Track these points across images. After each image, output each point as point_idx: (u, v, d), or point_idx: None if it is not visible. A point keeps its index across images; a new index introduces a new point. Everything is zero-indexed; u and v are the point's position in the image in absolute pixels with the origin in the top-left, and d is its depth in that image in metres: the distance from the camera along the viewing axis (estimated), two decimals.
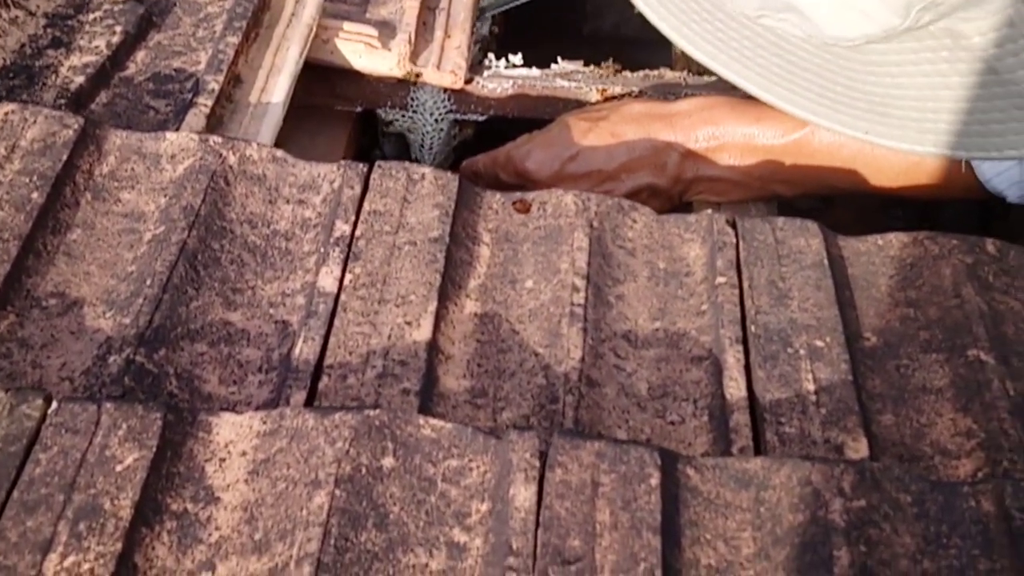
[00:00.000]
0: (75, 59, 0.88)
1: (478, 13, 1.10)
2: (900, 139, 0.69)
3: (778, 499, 0.56)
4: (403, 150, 1.12)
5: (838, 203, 0.99)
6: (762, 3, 0.70)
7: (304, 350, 0.65)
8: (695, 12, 0.74)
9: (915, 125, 0.68)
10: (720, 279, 0.72)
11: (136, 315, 0.66)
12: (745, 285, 0.72)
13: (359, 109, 1.06)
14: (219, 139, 0.77)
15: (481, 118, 1.06)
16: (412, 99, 1.04)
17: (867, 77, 0.70)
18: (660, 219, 0.78)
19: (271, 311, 0.69)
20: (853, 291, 0.74)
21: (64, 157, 0.73)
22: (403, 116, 1.06)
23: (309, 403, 0.63)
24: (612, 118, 0.94)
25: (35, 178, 0.72)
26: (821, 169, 0.90)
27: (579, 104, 1.04)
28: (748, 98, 0.76)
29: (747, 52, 0.72)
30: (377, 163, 0.77)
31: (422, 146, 1.08)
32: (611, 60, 1.07)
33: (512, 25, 1.24)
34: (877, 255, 0.76)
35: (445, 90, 1.04)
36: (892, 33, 0.65)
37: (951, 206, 1.04)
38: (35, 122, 0.75)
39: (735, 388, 0.66)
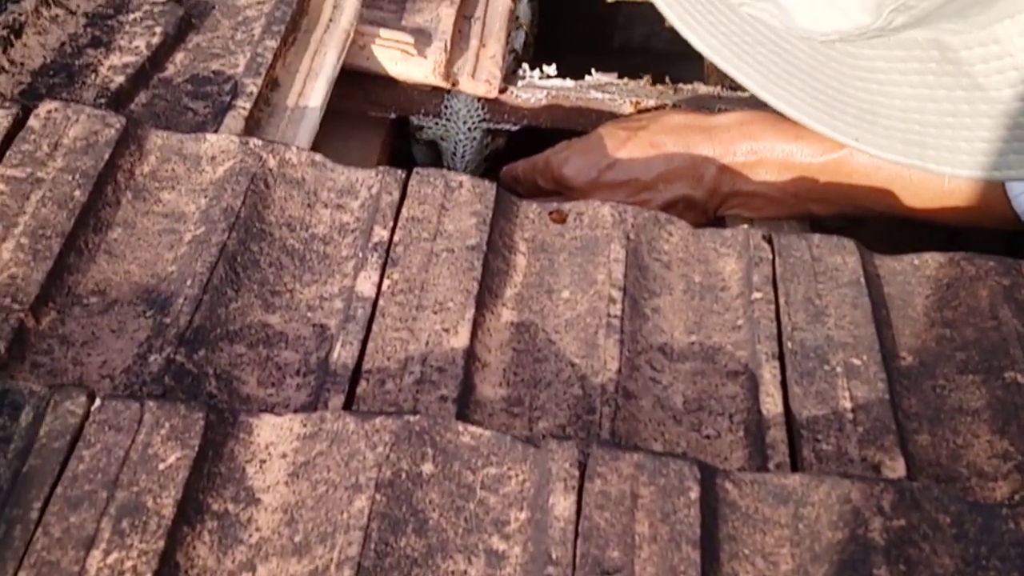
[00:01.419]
0: (115, 59, 0.88)
1: (514, 20, 1.10)
2: (886, 149, 0.68)
3: (817, 516, 0.56)
4: (435, 158, 1.13)
5: (869, 220, 0.99)
6: None
7: (342, 354, 0.66)
8: (699, 2, 0.73)
9: (900, 136, 0.68)
10: (756, 294, 0.72)
11: (176, 315, 0.66)
12: (781, 301, 0.72)
13: (393, 115, 1.06)
14: (259, 142, 0.77)
15: (514, 128, 1.06)
16: (446, 107, 1.05)
17: (856, 82, 0.69)
18: (696, 233, 0.78)
19: (309, 314, 0.70)
20: (889, 310, 0.74)
21: (106, 156, 0.73)
22: (436, 123, 1.06)
23: (347, 407, 0.63)
24: (651, 128, 0.95)
25: (77, 176, 0.72)
26: (857, 189, 0.90)
27: (612, 116, 1.04)
28: None
29: (747, 48, 0.72)
30: (415, 170, 0.77)
31: (454, 154, 1.08)
32: (646, 74, 1.07)
33: (544, 36, 1.24)
34: (913, 275, 0.76)
35: (479, 99, 1.04)
36: (866, 32, 0.64)
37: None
38: (77, 120, 0.75)
39: (771, 404, 0.66)
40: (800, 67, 0.71)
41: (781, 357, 0.69)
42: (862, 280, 0.74)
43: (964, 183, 0.86)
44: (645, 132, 0.94)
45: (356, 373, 0.65)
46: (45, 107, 0.76)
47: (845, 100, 0.70)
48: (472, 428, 0.58)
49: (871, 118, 0.69)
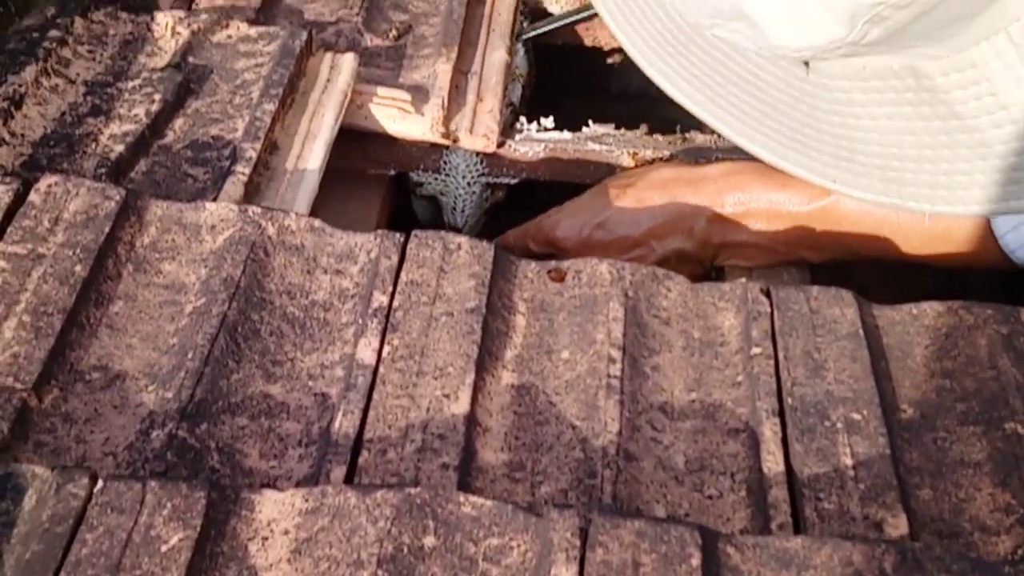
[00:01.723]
0: (115, 127, 0.89)
1: (513, 70, 1.11)
2: (865, 189, 0.67)
3: None
4: (435, 212, 1.13)
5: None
6: (714, 10, 0.68)
7: (344, 424, 0.66)
8: (670, 44, 0.73)
9: (879, 174, 0.67)
10: (755, 349, 0.73)
11: (178, 389, 0.66)
12: (780, 356, 0.72)
13: (392, 172, 1.07)
14: (258, 209, 0.78)
15: (513, 181, 1.07)
16: (445, 162, 1.05)
17: (833, 117, 0.68)
18: (694, 287, 0.79)
19: (310, 383, 0.70)
20: (889, 361, 0.74)
21: (106, 229, 0.74)
22: (436, 179, 1.07)
23: (349, 478, 0.64)
24: (639, 184, 0.95)
25: (78, 251, 0.73)
26: (847, 236, 0.91)
27: (611, 167, 1.05)
28: None
29: (719, 88, 0.71)
30: (414, 233, 0.78)
31: (454, 208, 1.09)
32: (643, 124, 1.08)
33: (541, 83, 1.25)
34: (912, 324, 0.76)
35: (478, 153, 1.05)
36: (840, 47, 0.63)
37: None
38: (77, 194, 0.76)
39: (773, 462, 0.66)
40: (776, 105, 0.70)
41: (781, 413, 0.69)
42: (860, 332, 0.74)
43: (952, 224, 0.86)
44: (632, 189, 0.95)
45: (358, 442, 0.66)
46: (45, 181, 0.77)
47: (823, 139, 0.69)
48: (473, 499, 0.58)
49: (849, 155, 0.68)
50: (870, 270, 1.13)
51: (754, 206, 0.92)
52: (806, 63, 0.69)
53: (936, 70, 0.64)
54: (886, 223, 0.89)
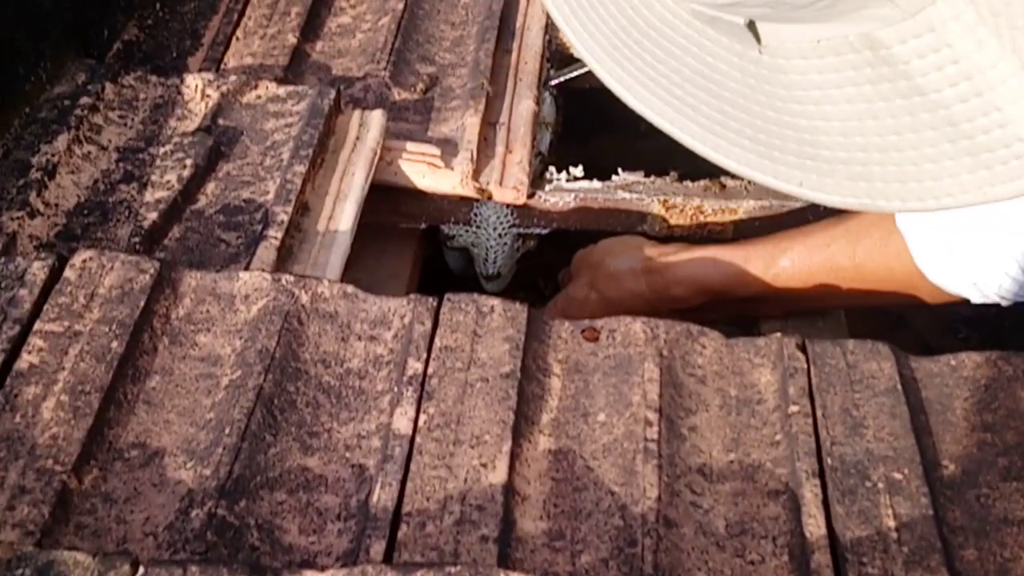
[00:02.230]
0: (148, 195, 0.90)
1: (539, 122, 1.11)
2: (833, 190, 0.64)
3: None
4: (467, 262, 1.13)
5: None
6: None
7: (382, 497, 0.66)
8: (625, 45, 0.70)
9: (845, 170, 0.62)
10: (793, 407, 0.72)
11: (216, 465, 0.66)
12: (818, 414, 0.72)
13: (423, 226, 1.07)
14: (291, 278, 0.78)
15: (544, 231, 1.07)
16: (475, 215, 1.06)
17: (792, 106, 0.63)
18: (729, 344, 0.78)
19: (347, 455, 0.70)
20: (928, 416, 0.73)
21: (142, 303, 0.75)
22: (467, 231, 1.07)
23: (388, 552, 0.64)
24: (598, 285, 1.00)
25: (114, 326, 0.73)
26: (795, 294, 0.93)
27: (641, 215, 1.05)
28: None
29: (678, 91, 0.68)
30: (446, 296, 0.78)
31: (486, 259, 1.09)
32: (672, 170, 1.08)
33: (569, 122, 1.25)
34: (950, 376, 0.76)
35: (508, 205, 1.05)
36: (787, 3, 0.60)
37: None
38: (112, 268, 0.77)
39: (814, 525, 0.66)
40: (735, 101, 0.67)
41: (821, 474, 0.69)
42: (899, 386, 0.73)
43: (883, 273, 0.87)
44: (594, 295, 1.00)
45: (396, 516, 0.65)
46: (80, 256, 0.77)
47: (784, 134, 0.66)
48: (514, 575, 0.58)
49: (813, 151, 0.65)
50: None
51: (704, 293, 0.96)
52: (758, 41, 0.65)
53: (893, 37, 0.59)
54: (832, 275, 0.90)
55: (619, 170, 1.08)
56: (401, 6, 1.17)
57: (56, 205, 0.89)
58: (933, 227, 0.82)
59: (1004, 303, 0.82)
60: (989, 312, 1.13)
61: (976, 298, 0.83)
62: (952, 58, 0.56)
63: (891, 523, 0.65)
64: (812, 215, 0.98)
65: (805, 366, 0.75)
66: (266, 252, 0.85)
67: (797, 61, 0.64)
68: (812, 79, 0.64)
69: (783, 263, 0.91)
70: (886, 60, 0.59)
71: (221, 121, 0.99)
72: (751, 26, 0.62)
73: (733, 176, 1.09)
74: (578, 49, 0.72)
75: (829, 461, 0.69)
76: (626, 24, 0.71)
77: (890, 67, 0.60)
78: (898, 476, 0.68)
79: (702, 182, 1.06)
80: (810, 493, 0.67)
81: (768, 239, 0.95)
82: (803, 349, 0.76)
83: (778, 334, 0.78)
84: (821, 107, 0.64)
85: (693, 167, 1.12)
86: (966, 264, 0.82)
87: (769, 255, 0.92)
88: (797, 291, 0.91)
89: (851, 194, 0.64)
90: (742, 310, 0.97)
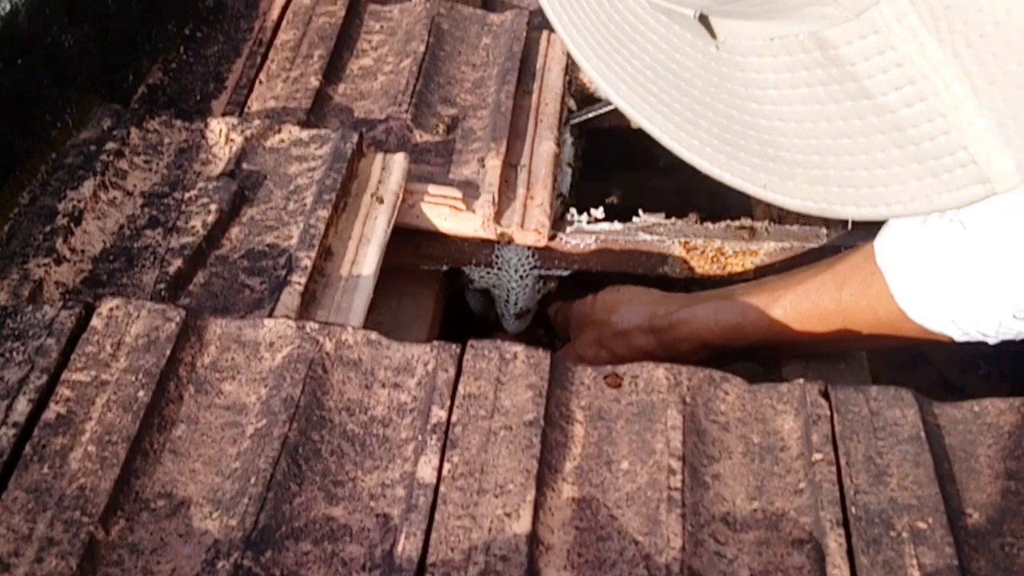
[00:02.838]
0: (173, 240, 0.91)
1: (559, 164, 1.12)
2: (792, 193, 0.62)
3: None
4: (488, 304, 1.14)
5: None
6: None
7: (406, 547, 0.66)
8: (607, 41, 0.69)
9: (803, 173, 0.61)
10: (816, 455, 0.72)
11: (242, 516, 0.67)
12: (842, 462, 0.72)
13: (445, 268, 1.08)
14: (315, 325, 0.78)
15: (565, 272, 1.08)
16: (497, 257, 1.06)
17: (751, 105, 0.62)
18: (752, 390, 0.79)
19: (372, 504, 0.70)
20: (952, 463, 0.73)
21: (168, 352, 0.75)
22: (488, 273, 1.07)
23: None
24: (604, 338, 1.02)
25: (140, 376, 0.74)
26: (798, 343, 0.94)
27: (662, 257, 1.05)
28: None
29: (652, 87, 0.67)
30: (470, 343, 0.78)
31: (507, 301, 1.09)
32: (691, 197, 1.08)
33: (590, 156, 1.26)
34: (974, 423, 0.76)
35: (529, 247, 1.05)
36: None
37: None
38: (138, 317, 0.77)
39: None
40: (701, 99, 0.65)
41: (846, 523, 0.68)
42: (922, 434, 0.73)
43: (869, 315, 0.87)
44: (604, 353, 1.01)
45: (421, 566, 0.66)
46: (107, 305, 0.78)
47: (747, 134, 0.65)
48: None
49: (773, 152, 0.63)
50: None
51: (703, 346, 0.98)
52: (713, 36, 0.64)
53: (840, 37, 0.57)
54: (817, 323, 0.91)
55: (640, 211, 1.08)
56: (422, 48, 1.18)
57: (82, 251, 0.90)
58: (911, 265, 0.82)
59: (989, 341, 0.82)
60: (1010, 348, 1.13)
61: (959, 336, 0.83)
62: (896, 61, 0.55)
63: (916, 573, 0.65)
64: (829, 255, 0.99)
65: (828, 413, 0.75)
66: (290, 298, 0.86)
67: (753, 59, 0.62)
68: (767, 78, 0.62)
69: (776, 312, 0.92)
70: (835, 61, 0.58)
71: (245, 165, 1.00)
72: (703, 20, 0.61)
73: (754, 216, 1.10)
74: (568, 46, 0.71)
75: (853, 510, 0.69)
76: (605, 19, 0.70)
77: (839, 68, 0.58)
78: (923, 525, 0.68)
79: (723, 224, 1.07)
80: (834, 543, 0.67)
81: (764, 286, 0.96)
82: (826, 395, 0.76)
83: (800, 380, 0.78)
84: (777, 107, 0.61)
85: (713, 204, 1.13)
86: (945, 302, 0.82)
87: (764, 305, 0.93)
88: (794, 336, 0.92)
89: (810, 198, 0.63)
90: (747, 356, 0.98)
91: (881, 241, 0.85)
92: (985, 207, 0.78)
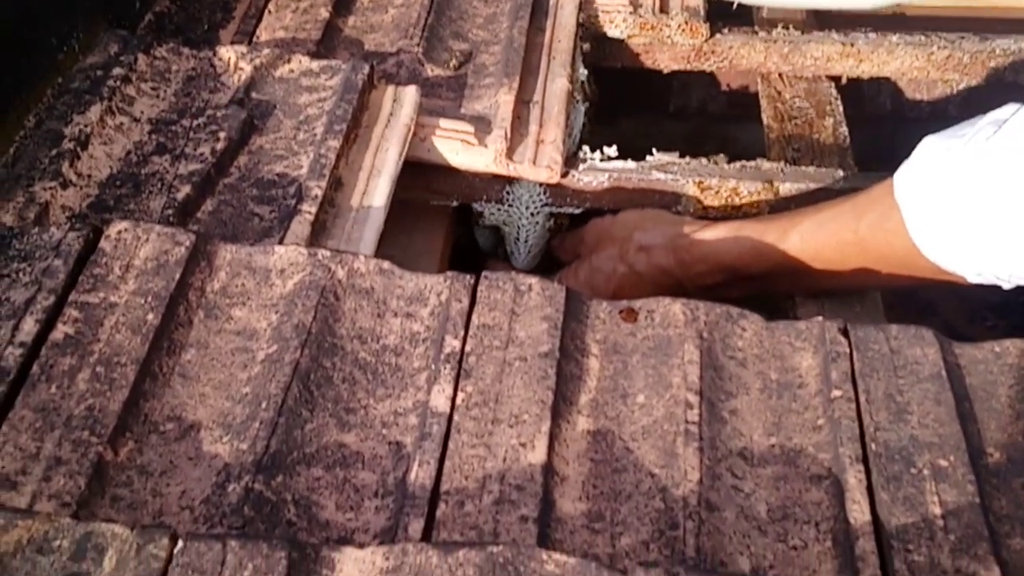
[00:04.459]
0: (180, 167, 0.89)
1: (573, 101, 1.10)
2: None
3: None
4: (497, 241, 1.12)
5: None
6: None
7: (420, 475, 0.65)
8: None
9: None
10: (836, 392, 0.71)
11: (253, 440, 0.66)
12: (862, 399, 0.71)
13: (455, 203, 1.06)
14: (327, 253, 0.77)
15: (577, 211, 1.06)
16: (508, 193, 1.05)
17: None
18: (769, 327, 0.77)
19: (384, 432, 0.69)
20: (973, 403, 0.72)
21: (177, 276, 0.74)
22: (499, 209, 1.06)
23: (427, 531, 0.63)
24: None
25: (150, 299, 0.72)
26: (814, 273, 0.92)
27: (675, 196, 1.04)
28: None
29: None
30: (484, 274, 0.77)
31: (517, 239, 1.08)
32: (705, 140, 1.07)
33: (600, 102, 1.24)
34: (995, 363, 0.75)
35: (541, 184, 1.04)
36: None
37: None
38: (147, 240, 0.76)
39: (858, 511, 0.65)
40: None
41: (865, 460, 0.67)
42: (943, 373, 0.72)
43: (884, 250, 0.86)
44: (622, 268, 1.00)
45: (435, 493, 0.65)
46: (115, 228, 0.77)
47: None
48: (556, 556, 0.57)
49: None
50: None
51: (724, 272, 0.96)
52: None
53: None
54: (833, 252, 0.90)
55: (653, 150, 1.07)
56: None
57: (89, 176, 0.88)
58: (928, 201, 0.81)
59: (1004, 285, 0.81)
60: (1017, 300, 1.12)
61: (972, 277, 0.82)
62: None
63: (937, 511, 0.64)
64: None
65: (848, 351, 0.74)
66: (300, 227, 0.84)
67: None
68: None
69: (793, 238, 0.91)
70: None
71: (254, 94, 0.98)
72: None
73: (768, 158, 1.08)
74: None
75: (873, 447, 0.68)
76: None
77: None
78: (944, 463, 0.67)
79: (738, 164, 1.05)
80: (854, 479, 0.66)
81: (784, 215, 0.95)
82: (845, 333, 0.75)
83: (819, 318, 0.77)
84: None
85: (723, 150, 1.11)
86: (960, 241, 0.81)
87: (782, 230, 0.92)
88: (809, 266, 0.91)
89: None
90: (761, 287, 0.97)
91: (901, 175, 0.83)
92: (1005, 147, 0.77)
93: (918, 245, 0.83)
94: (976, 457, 0.68)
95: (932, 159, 0.81)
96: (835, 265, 0.90)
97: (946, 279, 0.84)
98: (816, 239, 0.90)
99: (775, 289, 0.97)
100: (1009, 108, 0.80)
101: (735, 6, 1.21)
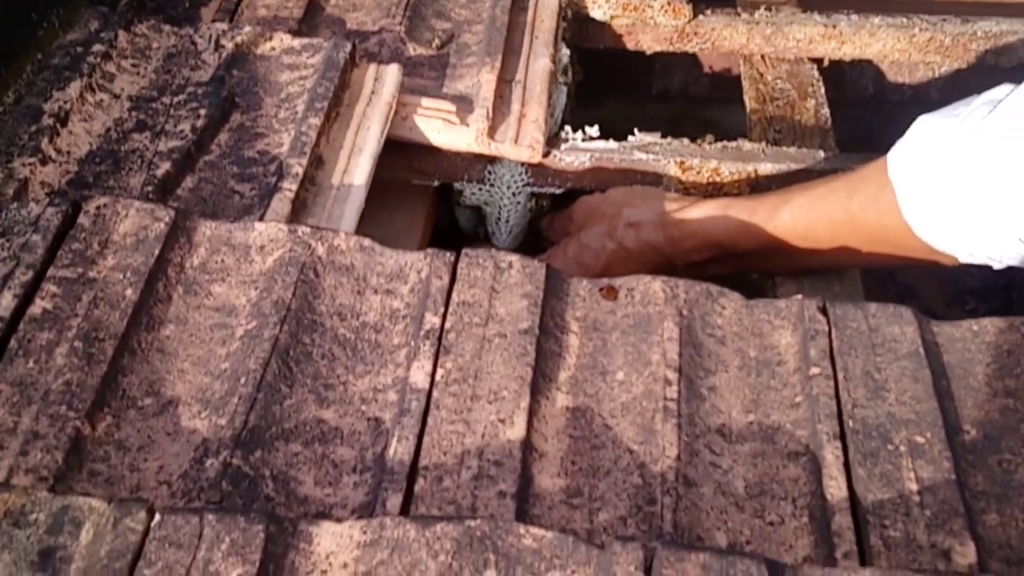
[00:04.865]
0: (160, 143, 0.89)
1: (555, 81, 1.10)
2: None
3: None
4: (479, 221, 1.12)
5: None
6: None
7: (398, 450, 0.65)
8: None
9: None
10: (814, 369, 0.71)
11: (231, 416, 0.66)
12: (840, 376, 0.71)
13: (436, 183, 1.06)
14: (307, 229, 0.77)
15: (558, 191, 1.06)
16: (489, 173, 1.04)
17: None
18: (749, 305, 0.78)
19: (363, 408, 0.69)
20: (950, 380, 0.72)
21: (156, 251, 0.74)
22: (480, 189, 1.06)
23: (406, 506, 0.63)
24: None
25: (128, 274, 0.72)
26: (804, 251, 0.93)
27: (657, 176, 1.04)
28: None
29: None
30: (464, 251, 0.77)
31: (499, 219, 1.08)
32: (687, 122, 1.07)
33: (582, 83, 1.24)
34: (972, 341, 0.75)
35: (523, 164, 1.04)
36: None
37: None
38: (127, 216, 0.76)
39: (835, 487, 0.65)
40: None
41: (843, 436, 0.68)
42: (921, 351, 0.73)
43: (876, 229, 0.86)
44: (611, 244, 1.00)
45: (413, 469, 0.65)
46: (94, 203, 0.76)
47: None
48: (534, 530, 0.57)
49: None
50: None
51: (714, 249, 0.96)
52: None
53: None
54: (824, 230, 0.90)
55: (635, 131, 1.07)
56: None
57: (68, 152, 0.88)
58: (922, 179, 0.81)
59: (995, 266, 0.81)
60: (997, 283, 1.12)
61: (964, 257, 0.83)
62: None
63: (913, 487, 0.65)
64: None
65: (826, 328, 0.74)
66: (280, 204, 0.84)
67: None
68: None
69: (784, 215, 0.91)
70: None
71: (235, 72, 0.98)
72: None
73: (749, 139, 1.08)
74: None
75: (851, 423, 0.68)
76: None
77: None
78: (920, 440, 0.67)
79: (719, 144, 1.05)
80: (831, 455, 0.67)
81: (775, 192, 0.95)
82: (824, 311, 0.75)
83: (799, 296, 0.77)
84: None
85: (706, 132, 1.11)
86: (953, 220, 0.81)
87: (772, 207, 0.92)
88: (799, 244, 0.91)
89: None
90: (749, 265, 0.97)
91: (894, 153, 0.84)
92: (1000, 126, 0.77)
93: (910, 224, 0.83)
94: (952, 434, 0.68)
95: (926, 138, 0.82)
96: (825, 243, 0.90)
97: (937, 259, 0.85)
98: (807, 217, 0.90)
99: (764, 267, 0.97)
100: (1003, 88, 0.80)
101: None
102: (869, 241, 0.87)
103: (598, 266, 0.99)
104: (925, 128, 0.82)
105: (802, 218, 0.90)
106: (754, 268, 0.98)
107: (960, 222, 0.80)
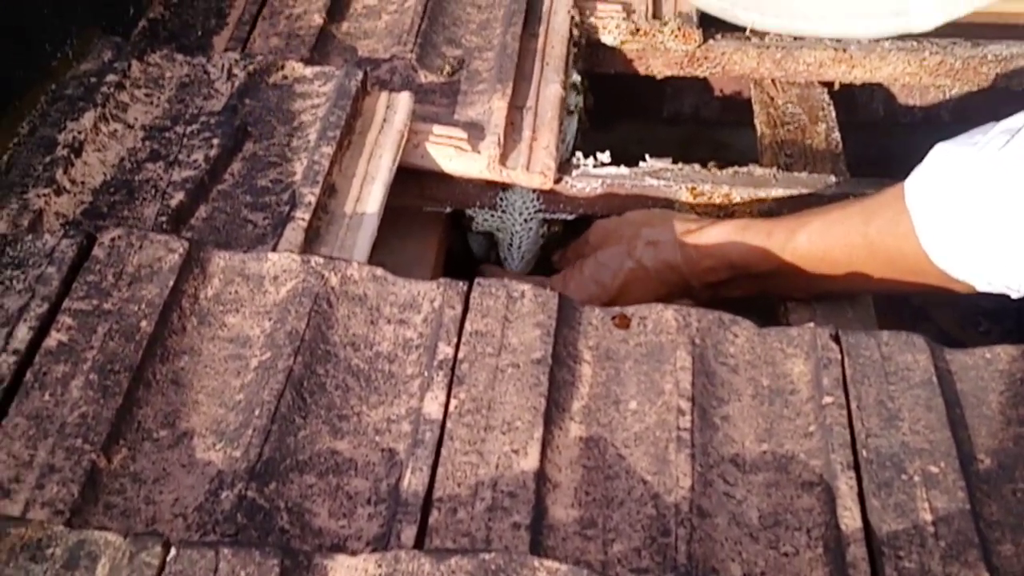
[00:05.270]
0: (174, 174, 0.89)
1: (566, 107, 1.10)
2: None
3: None
4: (491, 247, 1.12)
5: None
6: None
7: (412, 481, 0.65)
8: None
9: None
10: (827, 398, 0.71)
11: (246, 448, 0.66)
12: (853, 405, 0.71)
13: (448, 210, 1.06)
14: (320, 259, 0.77)
15: (570, 217, 1.06)
16: (501, 199, 1.05)
17: None
18: (761, 333, 0.78)
19: (377, 439, 0.69)
20: (963, 409, 0.72)
21: (171, 283, 0.74)
22: (492, 215, 1.06)
23: (420, 538, 0.63)
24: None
25: (143, 306, 0.72)
26: (820, 276, 0.93)
27: (668, 202, 1.04)
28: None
29: None
30: (477, 281, 0.77)
31: (511, 245, 1.08)
32: (697, 145, 1.07)
33: (594, 107, 1.24)
34: (985, 369, 0.75)
35: (534, 190, 1.04)
36: None
37: None
38: (141, 247, 0.76)
39: (849, 518, 0.65)
40: None
41: (856, 467, 0.68)
42: (934, 379, 0.73)
43: (894, 255, 0.86)
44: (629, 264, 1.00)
45: (427, 500, 0.65)
46: (108, 235, 0.77)
47: None
48: (548, 563, 0.58)
49: None
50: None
51: (730, 271, 0.97)
52: None
53: None
54: (841, 254, 0.90)
55: (646, 156, 1.07)
56: None
57: (82, 183, 0.88)
58: (940, 208, 0.81)
59: (1013, 295, 0.81)
60: (1011, 306, 1.12)
61: (982, 286, 0.83)
62: None
63: (928, 517, 0.65)
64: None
65: (839, 357, 0.74)
66: (293, 233, 0.84)
67: None
68: None
69: (801, 238, 0.91)
70: None
71: (248, 101, 0.98)
72: None
73: (761, 163, 1.09)
74: None
75: (864, 453, 0.68)
76: None
77: None
78: (934, 469, 0.67)
79: (730, 170, 1.06)
80: (845, 485, 0.67)
81: (792, 215, 0.95)
82: (837, 340, 0.75)
83: (811, 324, 0.77)
84: None
85: (716, 156, 1.11)
86: (971, 249, 0.81)
87: (789, 230, 0.92)
88: (815, 267, 0.91)
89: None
90: (765, 287, 0.98)
91: (912, 181, 0.84)
92: (1018, 156, 0.77)
93: (928, 252, 0.83)
94: (967, 463, 0.68)
95: (944, 166, 0.82)
96: (841, 267, 0.90)
97: (954, 287, 0.85)
98: (824, 240, 0.90)
99: (779, 289, 0.97)
100: (1021, 117, 0.80)
101: (748, 31, 1.21)
102: (885, 266, 0.87)
103: (615, 285, 0.99)
104: (942, 156, 0.82)
105: (819, 242, 0.90)
106: (770, 290, 0.98)
107: (978, 251, 0.80)
